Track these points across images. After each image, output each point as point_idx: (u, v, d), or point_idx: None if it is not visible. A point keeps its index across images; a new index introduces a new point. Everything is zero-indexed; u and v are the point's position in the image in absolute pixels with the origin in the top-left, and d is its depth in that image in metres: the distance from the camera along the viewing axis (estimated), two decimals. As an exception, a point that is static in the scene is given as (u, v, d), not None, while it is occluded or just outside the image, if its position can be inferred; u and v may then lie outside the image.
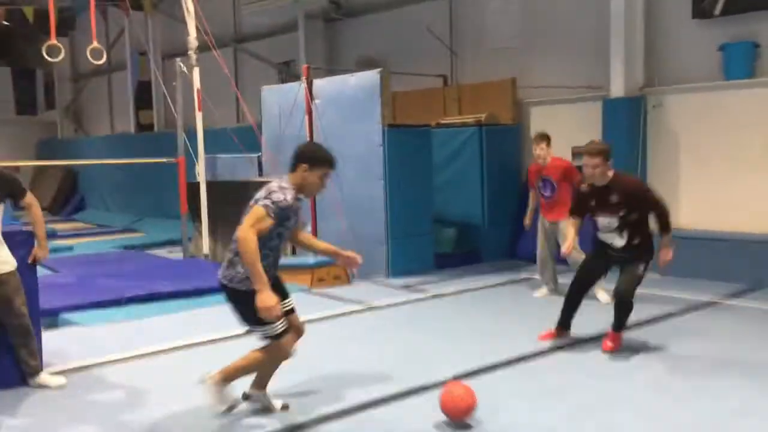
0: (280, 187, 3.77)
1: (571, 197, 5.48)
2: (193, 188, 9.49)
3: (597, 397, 4.35)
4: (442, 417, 3.94)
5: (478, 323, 6.33)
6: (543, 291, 7.32)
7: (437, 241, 9.04)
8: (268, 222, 3.69)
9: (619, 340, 5.25)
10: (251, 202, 3.81)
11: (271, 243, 3.82)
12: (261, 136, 9.81)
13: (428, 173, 8.75)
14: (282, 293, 3.97)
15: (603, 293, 6.77)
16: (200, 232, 9.45)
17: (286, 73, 13.39)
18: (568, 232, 5.47)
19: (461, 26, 10.92)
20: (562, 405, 4.23)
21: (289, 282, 7.74)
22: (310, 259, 7.80)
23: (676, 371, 4.79)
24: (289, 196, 3.75)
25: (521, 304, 7.06)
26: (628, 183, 5.15)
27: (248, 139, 10.43)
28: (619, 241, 5.14)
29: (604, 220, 5.14)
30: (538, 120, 9.74)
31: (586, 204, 5.27)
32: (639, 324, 5.90)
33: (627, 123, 8.59)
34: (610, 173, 5.11)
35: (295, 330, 4.04)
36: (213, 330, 5.95)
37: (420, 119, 9.38)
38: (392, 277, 8.25)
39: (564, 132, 9.43)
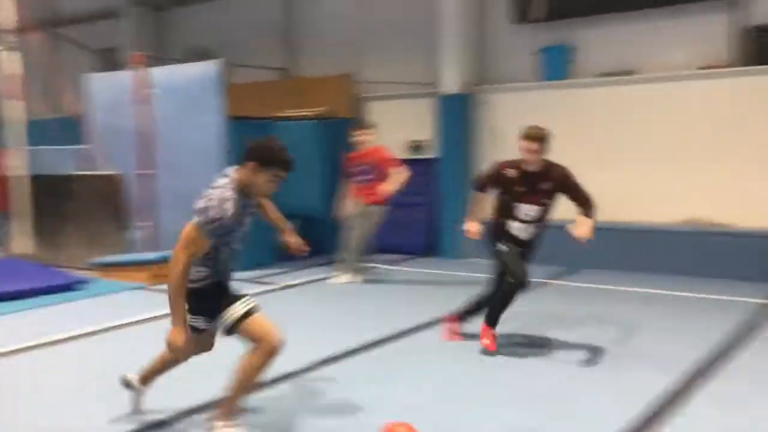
0: (220, 198, 3.30)
1: (484, 174, 5.07)
2: (8, 183, 8.68)
3: (458, 376, 4.63)
4: (309, 403, 3.98)
5: (326, 312, 6.43)
6: (344, 278, 7.69)
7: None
8: (203, 242, 3.31)
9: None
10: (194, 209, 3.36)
11: (219, 255, 3.48)
12: (87, 126, 9.20)
13: (270, 166, 8.69)
14: (228, 300, 3.55)
15: (345, 276, 7.55)
16: (19, 230, 8.68)
17: (109, 61, 12.62)
18: (473, 208, 5.09)
19: (298, 19, 10.95)
20: (425, 384, 4.44)
21: (124, 280, 7.58)
22: (150, 255, 7.47)
23: (523, 347, 5.19)
24: (230, 207, 3.30)
25: (365, 292, 7.27)
26: (560, 169, 4.94)
27: (70, 130, 9.72)
28: (528, 233, 4.95)
29: (528, 208, 4.86)
30: (374, 114, 10.01)
31: (503, 185, 4.91)
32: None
33: (459, 119, 9.11)
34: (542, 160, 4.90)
35: (264, 344, 3.48)
36: (42, 333, 5.55)
37: (257, 113, 9.28)
38: (236, 270, 8.11)
39: (399, 127, 9.80)
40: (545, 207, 4.91)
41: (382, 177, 7.46)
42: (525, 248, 5.00)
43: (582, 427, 3.75)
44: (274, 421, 3.85)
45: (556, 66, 8.69)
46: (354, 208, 7.58)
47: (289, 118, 9.73)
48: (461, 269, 8.33)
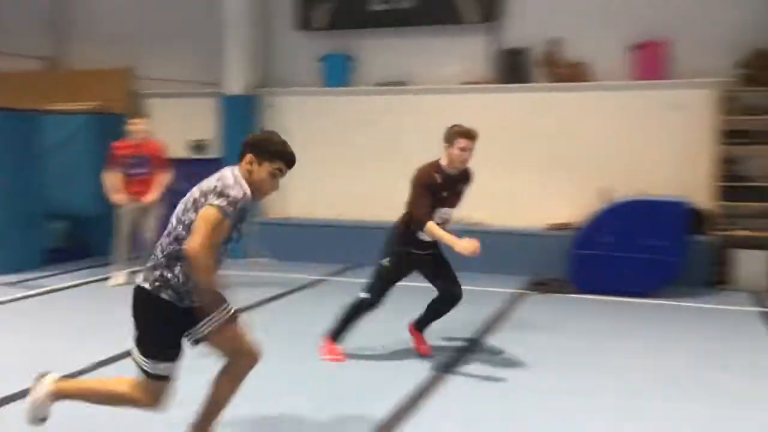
0: (235, 179, 2.95)
1: (422, 197, 4.58)
2: None
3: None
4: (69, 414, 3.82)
5: (96, 317, 6.13)
6: (121, 278, 7.27)
7: (47, 235, 8.40)
8: (225, 227, 2.89)
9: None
10: (195, 196, 2.95)
11: (217, 252, 2.99)
12: None
13: (35, 162, 8.07)
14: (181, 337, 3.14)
15: (122, 276, 7.20)
16: None
17: None
18: (446, 236, 4.48)
19: (69, 7, 10.25)
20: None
21: None
22: None
23: (309, 341, 5.38)
24: (247, 188, 2.94)
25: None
26: (469, 169, 4.83)
27: None
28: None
29: (444, 212, 4.67)
30: (154, 112, 9.68)
31: (436, 198, 4.61)
32: (263, 302, 6.45)
33: (243, 120, 9.14)
34: None
35: (246, 356, 3.19)
36: None
37: (21, 104, 8.54)
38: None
39: (180, 126, 9.61)
40: (455, 208, 4.77)
41: (158, 172, 7.26)
42: (433, 250, 4.73)
43: (353, 409, 4.03)
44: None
45: (337, 73, 9.08)
46: (127, 203, 7.24)
47: (58, 112, 9.08)
48: (245, 269, 8.34)
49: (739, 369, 4.85)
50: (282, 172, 3.07)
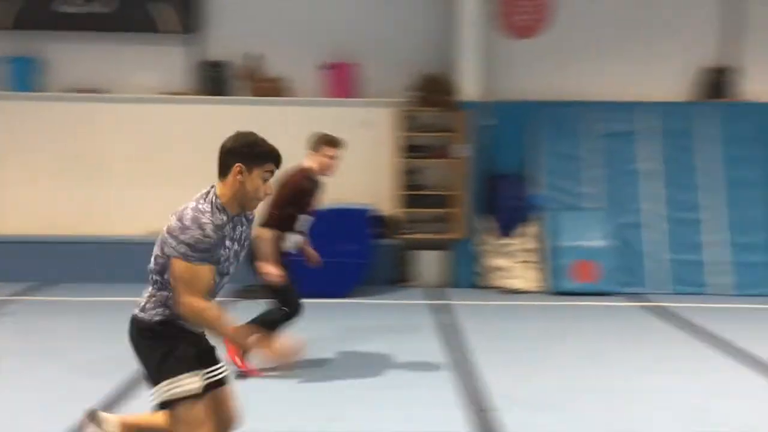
0: (194, 218, 2.68)
1: (292, 202, 4.63)
2: None
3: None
4: None
5: None
6: None
7: None
8: (203, 272, 2.69)
9: None
10: (164, 230, 2.74)
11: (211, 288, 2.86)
12: None
13: None
14: (209, 356, 2.93)
15: None
16: None
17: None
18: (275, 249, 4.58)
19: None
20: None
21: None
22: None
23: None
24: (210, 225, 2.68)
25: None
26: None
27: None
28: (298, 245, 4.80)
29: (307, 219, 4.74)
30: None
31: (299, 201, 4.64)
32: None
33: None
34: None
35: (222, 419, 2.92)
36: None
37: None
38: None
39: None
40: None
41: None
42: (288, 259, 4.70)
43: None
44: None
45: (22, 77, 8.41)
46: None
47: None
48: None
49: (407, 355, 5.56)
50: (272, 174, 2.88)
